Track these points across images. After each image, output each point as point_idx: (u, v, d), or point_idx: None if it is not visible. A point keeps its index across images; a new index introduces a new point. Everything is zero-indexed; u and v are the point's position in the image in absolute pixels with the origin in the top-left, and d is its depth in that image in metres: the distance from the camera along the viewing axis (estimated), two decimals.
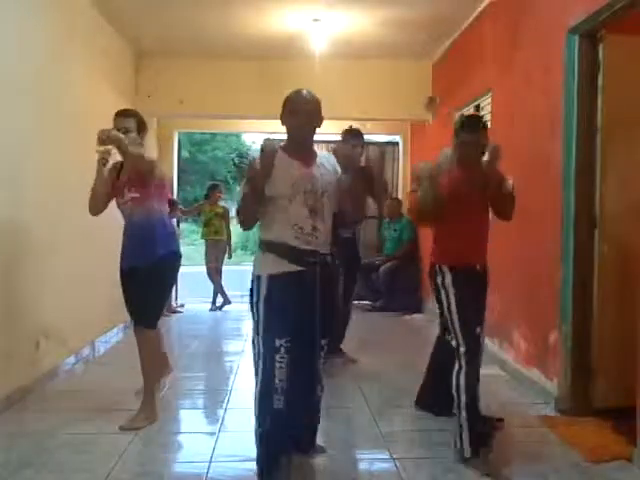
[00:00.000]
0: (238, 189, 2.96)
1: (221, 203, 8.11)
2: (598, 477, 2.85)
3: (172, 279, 3.81)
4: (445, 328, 3.24)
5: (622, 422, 3.21)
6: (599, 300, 3.57)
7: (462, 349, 2.98)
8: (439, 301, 3.13)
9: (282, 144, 2.68)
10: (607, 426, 3.36)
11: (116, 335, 5.68)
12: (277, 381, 2.57)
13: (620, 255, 3.56)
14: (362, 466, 3.12)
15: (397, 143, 8.63)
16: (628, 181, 3.53)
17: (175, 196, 7.83)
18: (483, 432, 2.96)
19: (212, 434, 3.36)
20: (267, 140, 2.61)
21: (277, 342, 2.56)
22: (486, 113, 5.29)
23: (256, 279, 2.66)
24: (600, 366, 3.56)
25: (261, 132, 7.84)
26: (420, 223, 3.21)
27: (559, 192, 3.72)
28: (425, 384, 3.64)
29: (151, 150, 6.78)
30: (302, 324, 2.60)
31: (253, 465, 2.77)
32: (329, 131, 4.48)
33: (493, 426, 3.22)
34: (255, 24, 5.79)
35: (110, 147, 3.34)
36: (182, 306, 7.89)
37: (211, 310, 7.85)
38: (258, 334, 2.64)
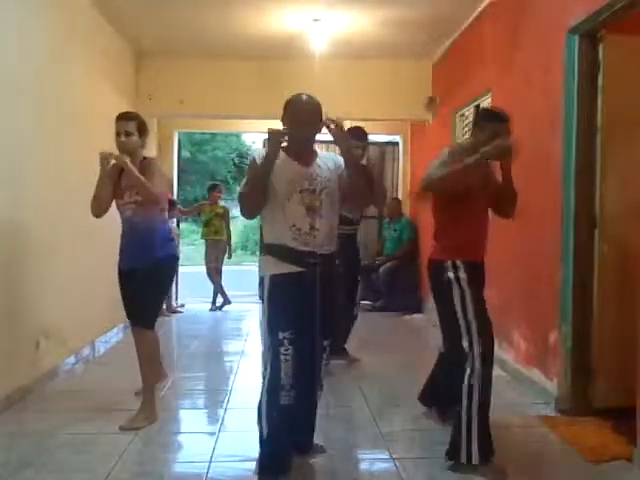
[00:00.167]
0: (238, 189, 2.96)
1: (221, 203, 8.13)
2: (598, 477, 2.85)
3: (170, 281, 3.89)
4: (450, 329, 2.97)
5: (622, 422, 3.21)
6: (599, 300, 3.57)
7: (478, 349, 2.79)
8: (448, 298, 2.90)
9: (284, 145, 2.69)
10: (607, 426, 3.36)
11: (116, 335, 5.68)
12: (283, 376, 2.61)
13: (620, 255, 3.56)
14: (362, 466, 3.12)
15: (397, 143, 8.62)
16: (628, 181, 3.53)
17: (175, 196, 7.85)
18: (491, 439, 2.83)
19: (212, 434, 3.36)
20: (272, 129, 2.64)
21: (280, 335, 2.63)
22: None
23: (261, 279, 2.82)
24: (600, 366, 3.56)
25: (261, 132, 7.84)
26: (430, 191, 2.97)
27: (559, 192, 3.72)
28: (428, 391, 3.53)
29: (151, 150, 6.80)
30: (303, 323, 2.63)
31: (253, 465, 2.78)
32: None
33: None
34: (255, 24, 5.79)
35: (112, 152, 3.36)
36: (182, 306, 7.90)
37: (211, 310, 7.85)
38: (266, 330, 2.72)
